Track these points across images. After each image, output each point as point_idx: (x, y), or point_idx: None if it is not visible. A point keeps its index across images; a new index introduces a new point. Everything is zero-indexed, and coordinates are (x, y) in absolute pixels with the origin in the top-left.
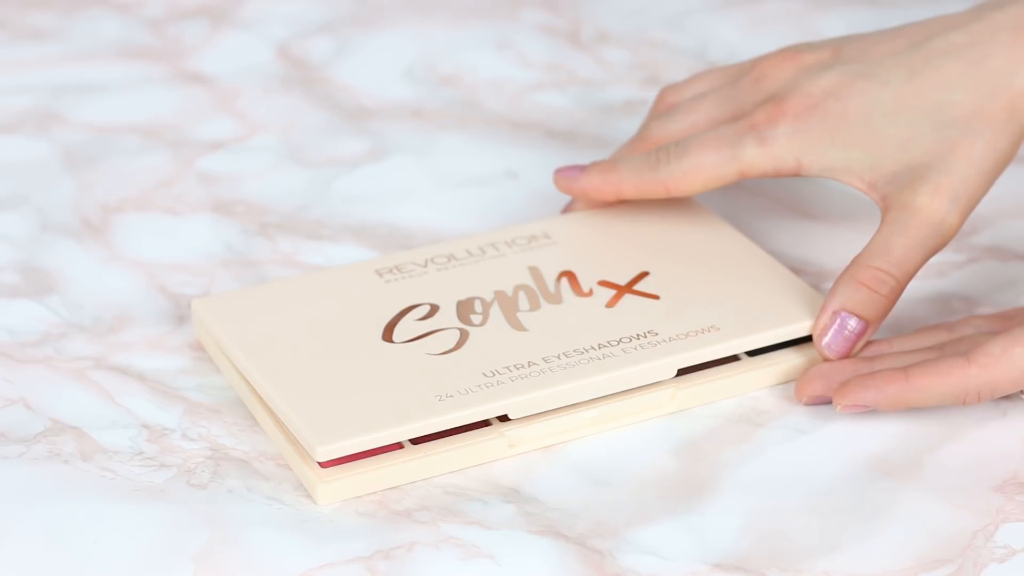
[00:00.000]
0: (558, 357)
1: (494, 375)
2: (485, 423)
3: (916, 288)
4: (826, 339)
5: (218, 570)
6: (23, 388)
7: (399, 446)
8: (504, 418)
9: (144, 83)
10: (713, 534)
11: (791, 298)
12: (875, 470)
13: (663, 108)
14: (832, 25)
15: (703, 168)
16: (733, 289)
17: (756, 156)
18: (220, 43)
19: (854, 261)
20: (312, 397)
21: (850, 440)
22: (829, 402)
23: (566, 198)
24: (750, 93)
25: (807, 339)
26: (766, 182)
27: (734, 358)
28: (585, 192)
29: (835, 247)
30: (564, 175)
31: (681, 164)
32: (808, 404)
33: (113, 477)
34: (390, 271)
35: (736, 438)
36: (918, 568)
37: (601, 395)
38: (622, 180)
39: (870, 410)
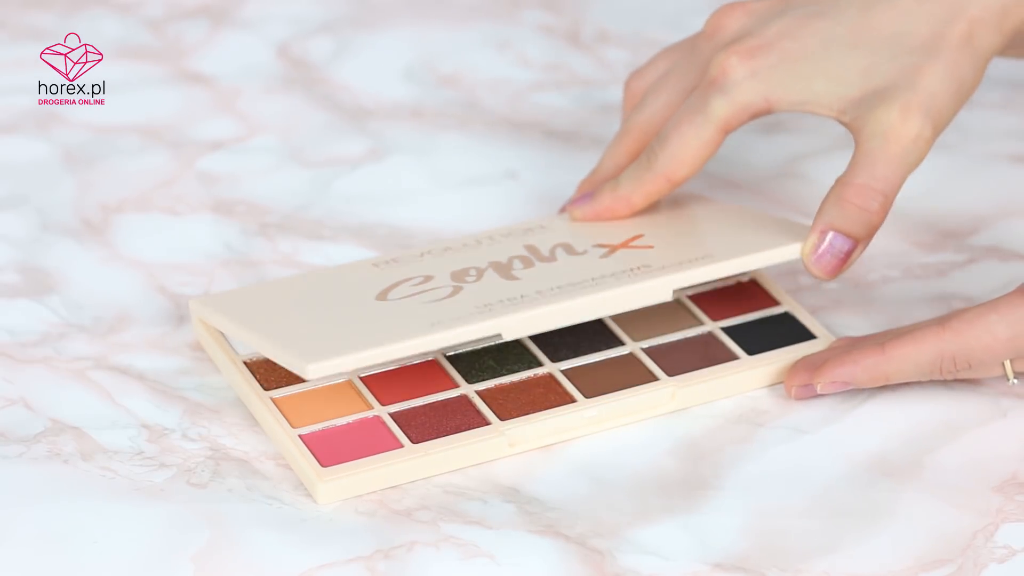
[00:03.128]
0: (551, 290)
1: (487, 307)
2: (484, 422)
3: (916, 288)
4: (816, 259)
5: (218, 570)
6: (23, 388)
7: (398, 445)
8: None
9: (144, 83)
10: (713, 534)
11: (781, 229)
12: (875, 470)
13: (635, 97)
14: None
15: (688, 144)
16: (725, 231)
17: (726, 108)
18: (220, 43)
19: (838, 181)
20: (298, 333)
21: (850, 440)
22: (817, 395)
23: (566, 197)
24: (709, 51)
25: (807, 339)
26: (767, 182)
27: (733, 357)
28: (601, 216)
29: None
30: (578, 206)
31: (667, 150)
32: (798, 397)
33: (113, 477)
34: (387, 263)
35: (736, 438)
36: (918, 568)
37: (595, 316)
38: (630, 192)
39: (851, 388)
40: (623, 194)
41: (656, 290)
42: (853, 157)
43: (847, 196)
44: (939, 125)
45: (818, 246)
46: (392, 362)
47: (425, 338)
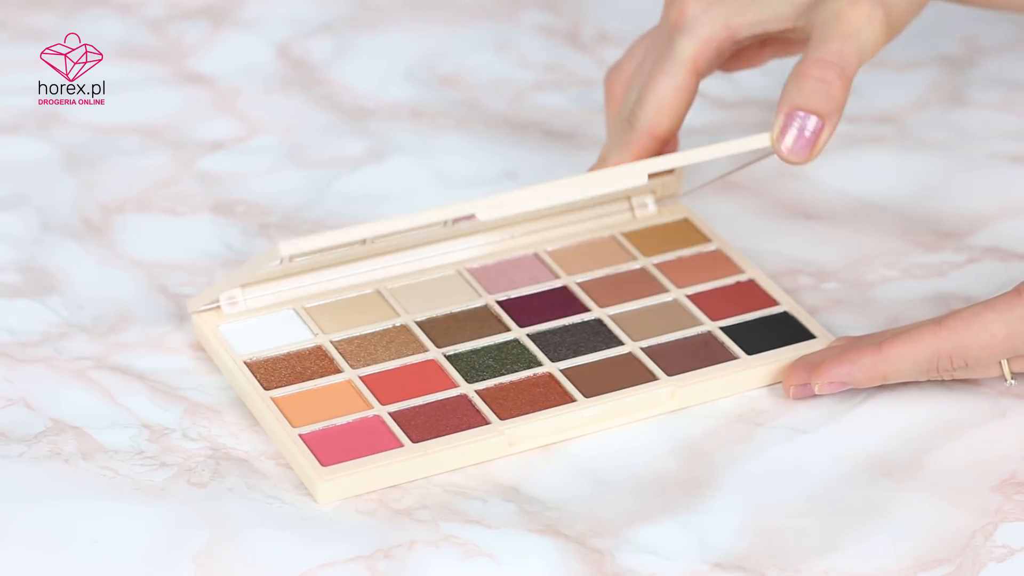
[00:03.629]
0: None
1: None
2: (484, 422)
3: (915, 288)
4: (785, 143)
5: (218, 569)
6: (24, 388)
7: (398, 444)
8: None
9: (144, 83)
10: (712, 533)
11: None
12: (875, 470)
13: (615, 91)
14: None
15: (662, 95)
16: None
17: (691, 45)
18: (220, 43)
19: (795, 66)
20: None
21: (850, 440)
22: (815, 394)
23: None
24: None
25: (806, 338)
26: (766, 182)
27: (732, 357)
28: None
29: (835, 247)
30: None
31: (645, 106)
32: (796, 397)
33: (114, 476)
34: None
35: (735, 438)
36: (917, 567)
37: (573, 197)
38: (618, 160)
39: (849, 388)
40: (612, 164)
41: (631, 174)
42: (808, 44)
43: (803, 72)
44: (892, 17)
45: (784, 128)
46: (390, 364)
47: (398, 219)
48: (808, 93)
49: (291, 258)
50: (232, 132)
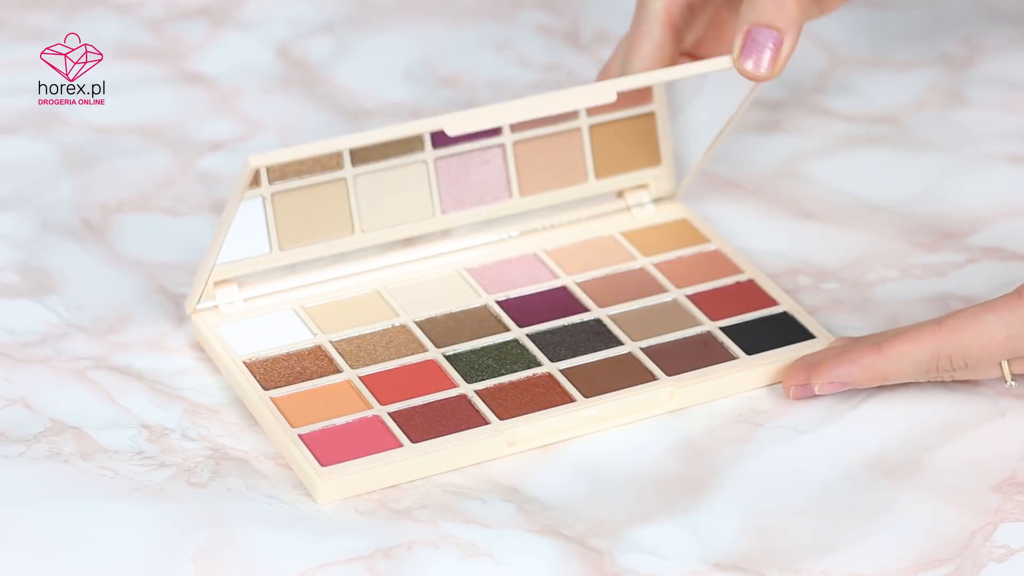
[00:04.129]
0: None
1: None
2: (484, 422)
3: (915, 288)
4: (747, 61)
5: (218, 569)
6: (23, 388)
7: (398, 444)
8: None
9: (144, 83)
10: (712, 533)
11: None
12: (874, 470)
13: None
14: (830, 27)
15: (644, 53)
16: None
17: (660, 2)
18: (220, 43)
19: None
20: None
21: (849, 440)
22: (815, 395)
23: None
24: None
25: (805, 338)
26: (766, 182)
27: (732, 357)
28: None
29: (835, 247)
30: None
31: (631, 69)
32: (796, 397)
33: (113, 477)
34: None
35: (735, 438)
36: (917, 568)
37: (541, 114)
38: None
39: (849, 388)
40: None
41: (600, 92)
42: None
43: None
44: None
45: (744, 46)
46: (390, 364)
47: (373, 132)
48: (763, 9)
49: (264, 170)
50: (232, 132)
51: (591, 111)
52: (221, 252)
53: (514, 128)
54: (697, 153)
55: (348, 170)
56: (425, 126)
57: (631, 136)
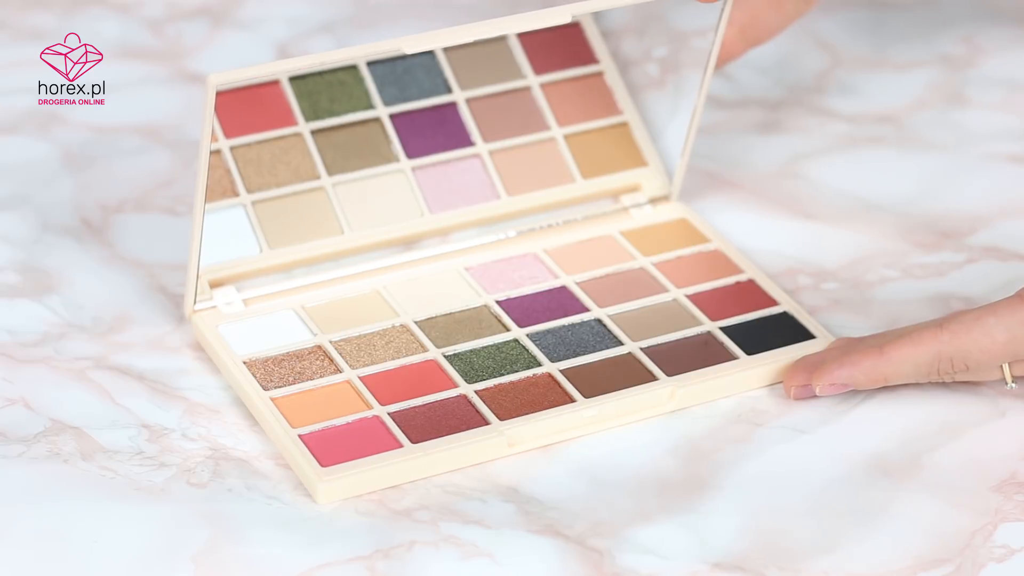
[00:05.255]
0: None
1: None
2: (484, 422)
3: (915, 288)
4: None
5: (218, 569)
6: (23, 388)
7: (398, 445)
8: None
9: (144, 83)
10: (712, 534)
11: None
12: (874, 470)
13: None
14: (830, 28)
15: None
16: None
17: None
18: (220, 43)
19: None
20: None
21: (849, 440)
22: (816, 395)
23: None
24: None
25: (806, 339)
26: (766, 182)
27: (732, 357)
28: None
29: (835, 247)
30: None
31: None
32: (796, 398)
33: (113, 477)
34: None
35: (735, 438)
36: (917, 568)
37: (496, 33)
38: None
39: (850, 390)
40: None
41: (555, 14)
42: None
43: None
44: None
45: None
46: (390, 364)
47: (324, 55)
48: None
49: (239, 179)
50: None
51: (559, 118)
52: (203, 235)
53: (485, 138)
54: (680, 143)
55: (325, 179)
56: (380, 48)
57: (609, 144)
